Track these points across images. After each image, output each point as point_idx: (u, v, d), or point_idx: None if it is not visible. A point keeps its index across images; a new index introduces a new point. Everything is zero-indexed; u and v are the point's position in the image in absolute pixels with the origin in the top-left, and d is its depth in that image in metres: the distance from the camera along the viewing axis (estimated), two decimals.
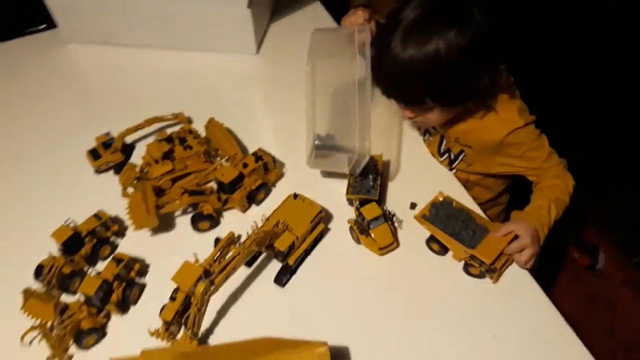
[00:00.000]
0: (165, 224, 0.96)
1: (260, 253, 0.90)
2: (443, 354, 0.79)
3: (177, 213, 0.99)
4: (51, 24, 1.39)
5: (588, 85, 1.95)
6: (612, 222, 1.65)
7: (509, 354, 0.78)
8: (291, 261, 0.88)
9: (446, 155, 1.07)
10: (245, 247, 0.80)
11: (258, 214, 0.93)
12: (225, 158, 1.01)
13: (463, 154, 1.03)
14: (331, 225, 0.96)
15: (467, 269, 0.87)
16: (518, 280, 0.87)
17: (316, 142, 0.87)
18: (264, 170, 0.99)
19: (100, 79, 1.34)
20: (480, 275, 0.86)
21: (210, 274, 0.78)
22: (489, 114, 0.95)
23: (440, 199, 0.92)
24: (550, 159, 0.97)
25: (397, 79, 0.87)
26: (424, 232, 0.91)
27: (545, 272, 1.44)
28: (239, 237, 0.90)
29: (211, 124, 1.08)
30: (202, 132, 1.08)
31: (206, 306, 0.78)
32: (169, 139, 1.04)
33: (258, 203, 1.00)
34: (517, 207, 0.97)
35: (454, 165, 1.07)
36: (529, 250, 0.86)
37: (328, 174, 1.03)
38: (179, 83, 1.29)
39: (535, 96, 1.00)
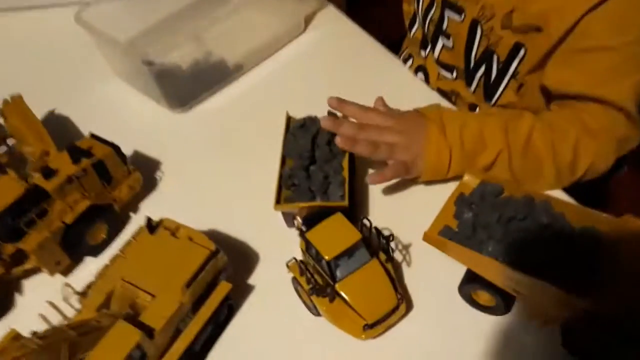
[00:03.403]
0: None
1: None
2: None
3: None
4: None
5: None
6: None
7: None
8: None
9: (481, 70, 0.56)
10: None
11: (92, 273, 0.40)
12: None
13: (521, 54, 0.52)
14: (255, 280, 0.43)
15: (569, 340, 0.34)
16: None
17: None
18: (102, 179, 0.46)
19: None
20: None
21: None
22: None
23: (473, 185, 0.40)
24: (617, 93, 0.46)
25: None
26: (459, 270, 0.39)
27: None
28: (36, 333, 0.37)
29: (10, 105, 0.55)
30: None
31: None
32: None
33: (96, 250, 0.47)
34: None
35: (495, 98, 0.56)
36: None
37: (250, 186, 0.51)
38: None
39: None
